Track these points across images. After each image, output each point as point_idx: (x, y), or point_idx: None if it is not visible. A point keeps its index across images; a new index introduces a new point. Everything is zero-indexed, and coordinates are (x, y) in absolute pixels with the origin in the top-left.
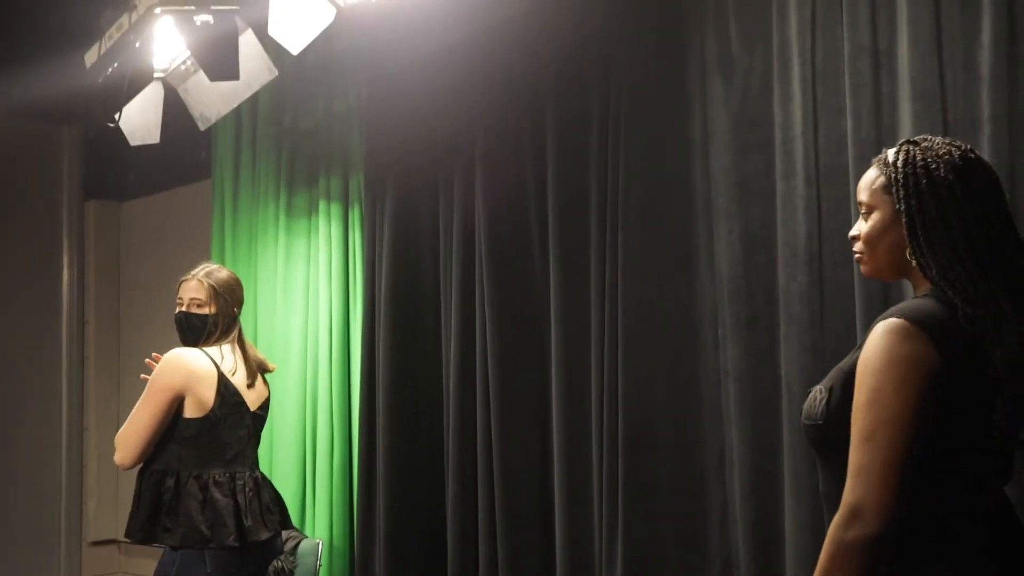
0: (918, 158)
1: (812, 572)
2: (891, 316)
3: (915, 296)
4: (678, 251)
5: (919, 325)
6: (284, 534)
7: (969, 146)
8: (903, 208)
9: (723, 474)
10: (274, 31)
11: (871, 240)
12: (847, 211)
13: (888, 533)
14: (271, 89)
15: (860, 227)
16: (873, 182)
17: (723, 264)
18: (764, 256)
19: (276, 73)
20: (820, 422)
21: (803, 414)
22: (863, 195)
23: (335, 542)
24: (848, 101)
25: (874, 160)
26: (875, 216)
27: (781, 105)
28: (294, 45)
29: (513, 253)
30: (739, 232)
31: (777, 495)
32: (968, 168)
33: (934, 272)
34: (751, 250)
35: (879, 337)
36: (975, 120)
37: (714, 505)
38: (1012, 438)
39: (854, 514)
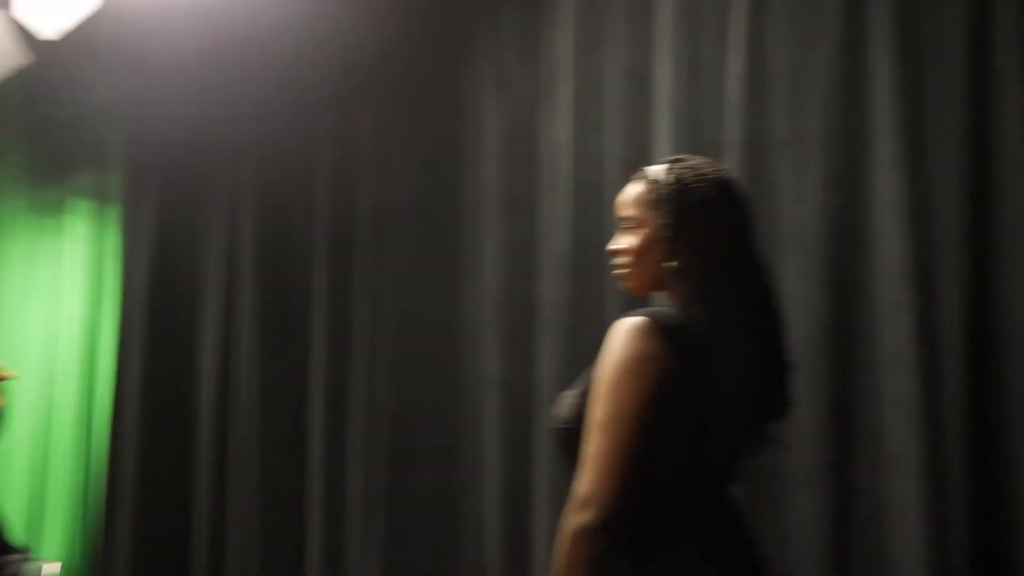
0: (686, 178)
1: None
2: (633, 315)
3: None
4: (445, 261)
5: (656, 325)
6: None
7: (725, 167)
8: (670, 226)
9: (479, 482)
10: (22, 12)
11: (636, 255)
12: (606, 227)
13: (613, 521)
14: (24, 76)
15: (623, 241)
16: (639, 198)
17: (487, 275)
18: (526, 268)
19: (30, 59)
20: (568, 425)
21: (553, 418)
22: (628, 210)
23: (70, 562)
24: (611, 121)
25: (636, 175)
26: (640, 232)
27: (549, 121)
28: (49, 29)
29: (277, 258)
30: (503, 244)
31: (530, 503)
32: (728, 190)
33: (692, 289)
34: (514, 262)
35: (618, 333)
36: (723, 145)
37: (467, 513)
38: (735, 448)
39: (583, 502)
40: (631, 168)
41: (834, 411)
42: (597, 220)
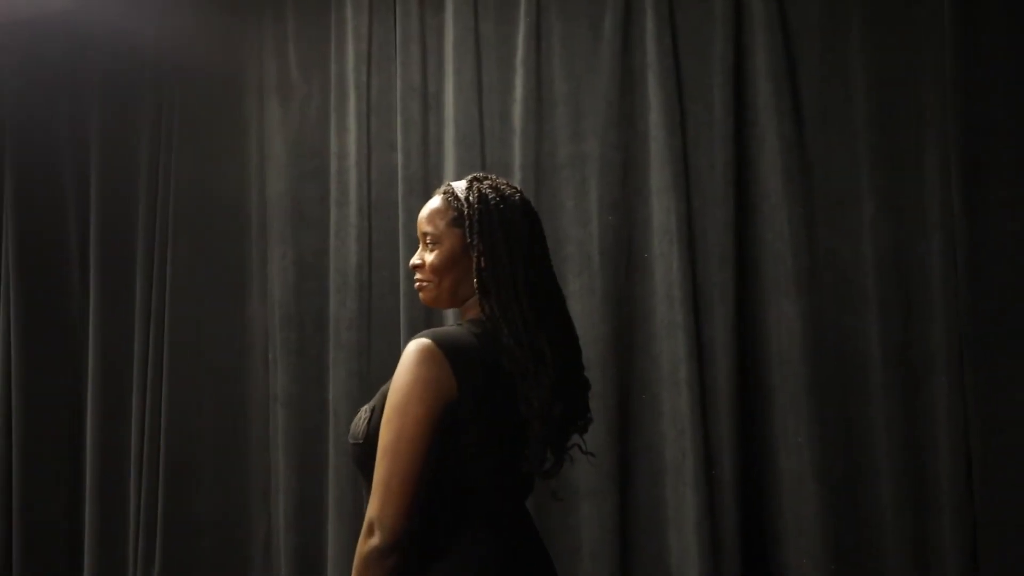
0: (490, 196)
1: None
2: (420, 337)
3: (456, 323)
4: (231, 274)
5: (442, 349)
6: None
7: (519, 188)
8: (475, 244)
9: (268, 501)
10: None
11: (439, 270)
12: (396, 242)
13: (398, 544)
14: None
15: (424, 257)
16: (442, 214)
17: (276, 289)
18: (316, 283)
19: None
20: (361, 441)
21: (350, 433)
22: (429, 226)
23: None
24: (399, 137)
25: (438, 191)
26: (444, 248)
27: (337, 135)
28: None
29: (47, 265)
30: (292, 257)
31: (322, 519)
32: (526, 210)
33: (495, 310)
34: (303, 276)
35: (405, 356)
36: (509, 166)
37: (258, 532)
38: (534, 466)
39: (370, 527)
40: (420, 186)
41: (617, 426)
42: (387, 237)
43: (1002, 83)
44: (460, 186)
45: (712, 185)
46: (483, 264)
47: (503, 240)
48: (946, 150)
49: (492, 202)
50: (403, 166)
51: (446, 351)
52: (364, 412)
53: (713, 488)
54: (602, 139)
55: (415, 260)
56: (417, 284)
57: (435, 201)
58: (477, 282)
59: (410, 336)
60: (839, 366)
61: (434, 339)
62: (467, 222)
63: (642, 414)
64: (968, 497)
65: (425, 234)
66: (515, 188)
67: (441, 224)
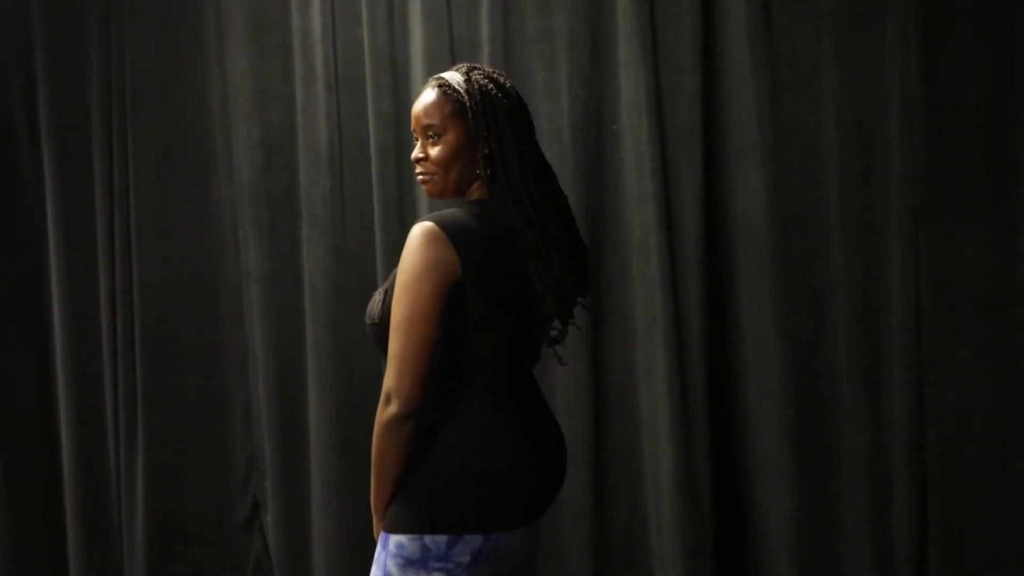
0: (488, 87)
1: (338, 463)
2: (424, 220)
3: (456, 205)
4: (193, 153)
5: (445, 231)
6: None
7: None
8: (483, 136)
9: (246, 376)
10: None
11: (444, 163)
12: (365, 118)
13: (413, 412)
14: None
15: (428, 150)
16: (441, 107)
17: (244, 167)
18: (284, 160)
19: None
20: (376, 321)
21: (366, 314)
22: (430, 119)
23: None
24: (364, 11)
25: (430, 84)
26: (448, 140)
27: (300, 9)
28: None
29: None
30: (259, 136)
31: (302, 393)
32: (520, 98)
33: (506, 195)
34: (272, 154)
35: (410, 239)
36: (476, 40)
37: (237, 407)
38: (547, 336)
39: (387, 397)
40: (387, 62)
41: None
42: (358, 112)
43: None
44: (455, 77)
45: (680, 57)
46: (491, 152)
47: (508, 127)
48: (906, 20)
49: (492, 92)
50: (369, 41)
51: (449, 233)
52: (378, 294)
53: (682, 348)
54: (570, 12)
55: (417, 154)
56: (421, 178)
57: (430, 94)
58: (487, 170)
59: (384, 212)
60: (801, 230)
61: (437, 222)
62: (471, 113)
63: (613, 280)
64: (917, 344)
65: (426, 127)
66: (504, 76)
67: (442, 116)
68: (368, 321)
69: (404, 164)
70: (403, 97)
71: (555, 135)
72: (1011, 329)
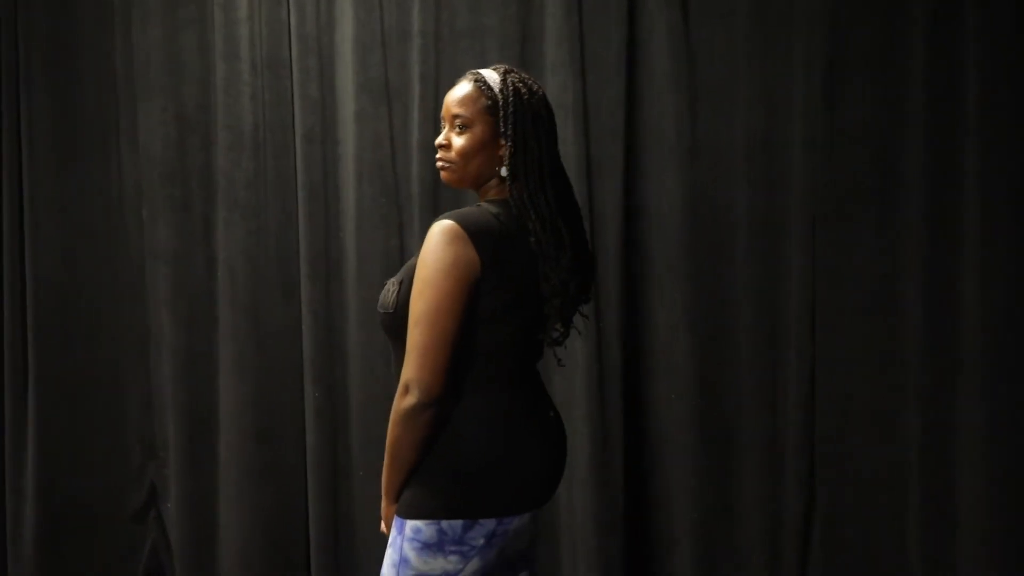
0: (522, 90)
1: (255, 449)
2: (444, 218)
3: (475, 204)
4: (92, 126)
5: (466, 230)
6: None
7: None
8: (509, 133)
9: (146, 359)
10: None
11: (467, 153)
12: (288, 102)
13: (432, 401)
14: None
15: (451, 138)
16: (475, 101)
17: (155, 144)
18: (198, 138)
19: None
20: (391, 310)
21: (379, 303)
22: (461, 109)
23: None
24: None
25: (467, 78)
26: (474, 132)
27: None
28: None
29: None
30: (173, 112)
31: (213, 375)
32: (549, 106)
33: (523, 195)
34: (186, 132)
35: (432, 236)
36: (407, 31)
37: (134, 392)
38: (549, 336)
39: (406, 386)
40: (314, 44)
41: None
42: (282, 95)
43: None
44: (492, 77)
45: (605, 64)
46: (515, 152)
47: (533, 132)
48: (811, 49)
49: (524, 96)
50: (297, 24)
51: (470, 232)
52: (392, 285)
53: (600, 338)
54: (501, 12)
55: (441, 140)
56: (441, 164)
57: (466, 87)
58: (509, 168)
59: (308, 197)
60: (712, 232)
61: (459, 221)
62: (502, 112)
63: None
64: (811, 339)
65: (456, 116)
66: (537, 83)
67: (473, 110)
68: (382, 310)
69: (328, 149)
70: (329, 82)
71: None
72: (893, 327)
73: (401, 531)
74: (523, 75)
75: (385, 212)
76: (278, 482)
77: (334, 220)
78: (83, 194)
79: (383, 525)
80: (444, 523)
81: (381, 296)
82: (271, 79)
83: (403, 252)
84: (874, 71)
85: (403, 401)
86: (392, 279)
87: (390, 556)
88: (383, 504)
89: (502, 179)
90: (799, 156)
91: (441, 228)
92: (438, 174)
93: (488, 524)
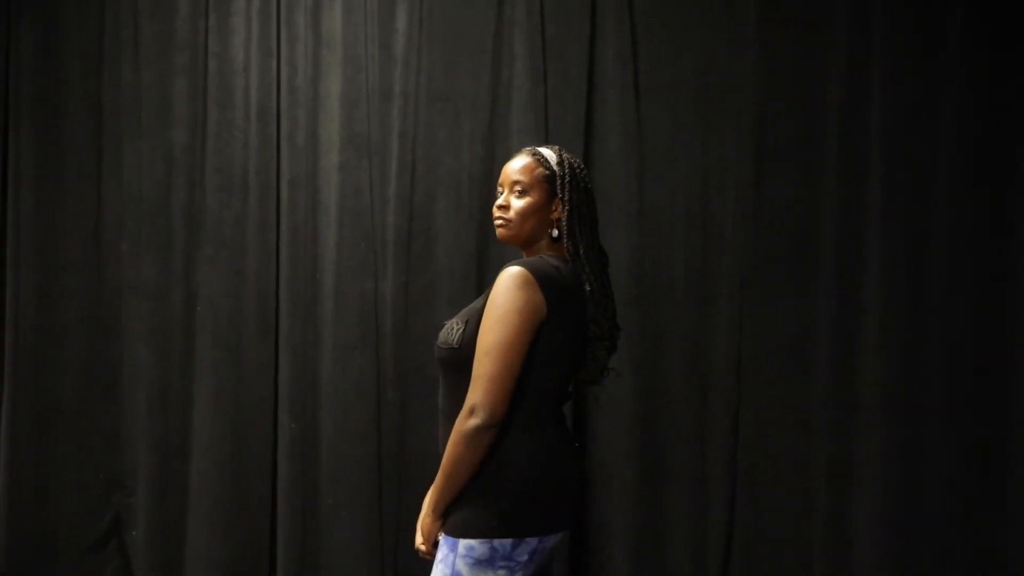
0: (576, 165)
1: (233, 480)
2: (516, 266)
3: (539, 257)
4: (77, 162)
5: (535, 276)
6: None
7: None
8: (568, 202)
9: (114, 391)
10: None
11: (524, 215)
12: (272, 149)
13: (495, 424)
14: None
15: (511, 201)
16: (533, 171)
17: (141, 182)
18: (184, 179)
19: None
20: (456, 347)
21: (439, 340)
22: (521, 176)
23: None
24: (284, 47)
25: (525, 151)
26: (532, 198)
27: (219, 35)
28: None
29: None
30: (162, 152)
31: (187, 408)
32: (590, 180)
33: (579, 252)
34: (173, 171)
35: (505, 279)
36: (389, 91)
37: (103, 422)
38: (594, 376)
39: (471, 410)
40: (304, 96)
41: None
42: (267, 142)
43: (791, 80)
44: (548, 153)
45: (565, 134)
46: (570, 215)
47: (584, 201)
48: (743, 129)
49: (578, 170)
50: (287, 77)
51: (539, 279)
52: (456, 324)
53: None
54: (475, 80)
55: (501, 202)
56: (499, 222)
57: (525, 158)
58: (566, 230)
59: (291, 239)
60: (653, 286)
61: (529, 269)
62: (559, 182)
63: None
64: (736, 382)
65: (516, 183)
66: (581, 162)
67: (532, 178)
68: (444, 346)
69: (311, 195)
70: (314, 132)
71: (454, 185)
72: (805, 374)
73: (454, 549)
74: (571, 154)
75: (363, 257)
76: (248, 513)
77: (313, 262)
78: (63, 227)
79: (419, 539)
80: (496, 542)
81: (442, 334)
82: (260, 127)
83: (377, 294)
84: (795, 155)
85: (468, 422)
86: (453, 320)
87: (440, 571)
88: (427, 520)
89: (552, 240)
90: (730, 225)
91: (514, 273)
92: (412, 223)
93: (532, 542)
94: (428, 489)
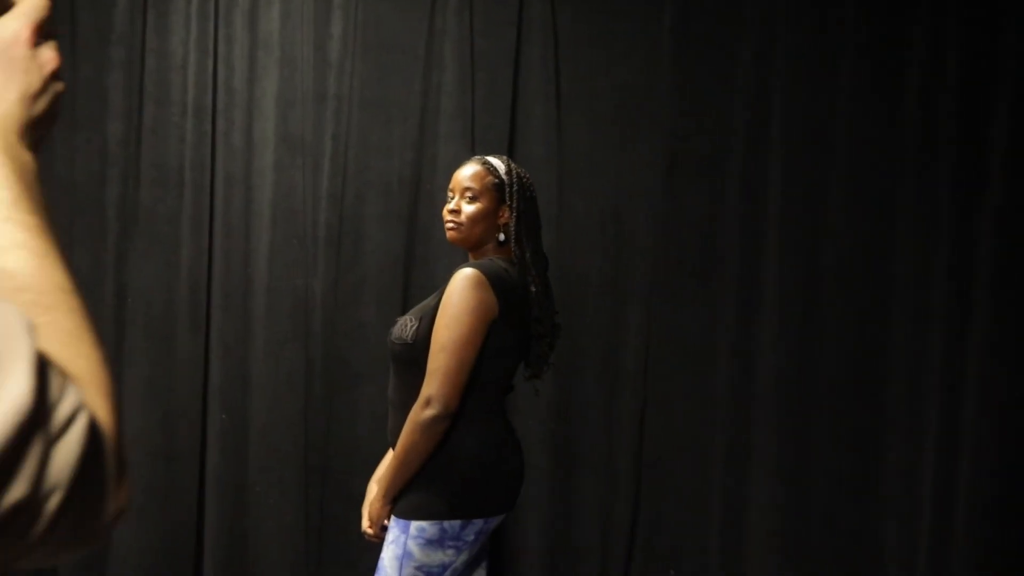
0: (522, 175)
1: (163, 469)
2: (469, 267)
3: (489, 259)
4: None
5: (488, 277)
6: None
7: None
8: (515, 210)
9: None
10: None
11: (474, 219)
12: (207, 145)
13: (448, 415)
14: None
15: (462, 206)
16: (483, 178)
17: (77, 174)
18: (119, 172)
19: None
20: (409, 342)
21: (393, 335)
22: (472, 183)
23: None
24: (222, 47)
25: (475, 160)
26: (482, 204)
27: (158, 33)
28: None
29: None
30: (98, 145)
31: (117, 400)
32: (534, 188)
33: (525, 255)
34: (107, 165)
35: (460, 280)
36: (323, 94)
37: None
38: (537, 369)
39: (427, 401)
40: (241, 97)
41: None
42: (202, 138)
43: (702, 100)
44: (497, 162)
45: (490, 141)
46: (517, 221)
47: (530, 208)
48: (655, 141)
49: (524, 180)
50: (224, 77)
51: (491, 280)
52: (409, 320)
53: None
54: (407, 87)
55: (452, 207)
56: (450, 225)
57: (476, 166)
58: (514, 235)
59: (224, 235)
60: (570, 288)
61: (483, 271)
62: (508, 190)
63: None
64: (644, 378)
65: (467, 189)
66: (526, 172)
67: (481, 185)
68: (399, 342)
69: (246, 192)
70: (249, 131)
71: (384, 187)
72: (707, 372)
73: (406, 530)
74: (517, 164)
75: (295, 254)
76: (176, 501)
77: (246, 258)
78: None
79: (366, 523)
80: (446, 523)
81: (396, 330)
82: (196, 124)
83: (308, 290)
84: (702, 169)
85: (424, 413)
86: (406, 316)
87: (392, 551)
88: (376, 505)
89: (499, 243)
90: (642, 232)
91: (468, 275)
92: (343, 223)
93: (478, 523)
94: (356, 477)
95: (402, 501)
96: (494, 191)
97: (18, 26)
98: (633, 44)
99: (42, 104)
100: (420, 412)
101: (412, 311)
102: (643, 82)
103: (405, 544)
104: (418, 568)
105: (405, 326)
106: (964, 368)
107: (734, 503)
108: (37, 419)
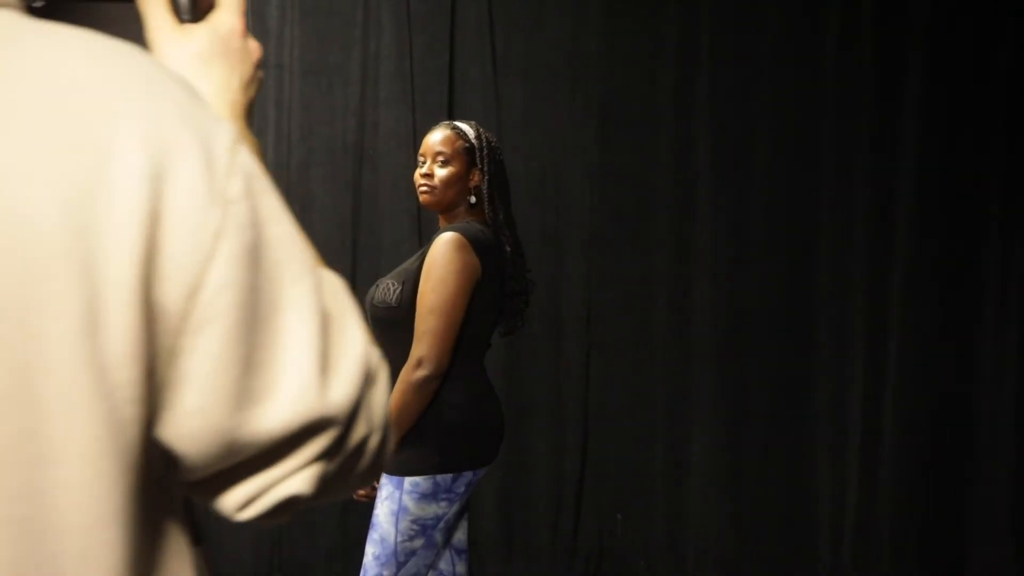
0: (490, 140)
1: None
2: (451, 231)
3: (451, 224)
4: None
5: (470, 240)
6: None
7: None
8: (486, 173)
9: None
10: None
11: (447, 183)
12: None
13: (439, 374)
14: None
15: (434, 170)
16: (453, 143)
17: None
18: None
19: None
20: (394, 305)
21: (375, 299)
22: (443, 147)
23: None
24: None
25: (444, 125)
26: (452, 168)
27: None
28: None
29: None
30: None
31: None
32: (502, 151)
33: (499, 217)
34: None
35: (444, 244)
36: (265, 62)
37: None
38: (513, 326)
39: (419, 362)
40: None
41: (348, 283)
42: None
43: (631, 61)
44: (466, 127)
45: (431, 102)
46: (492, 189)
47: (499, 171)
48: (589, 103)
49: (493, 145)
50: None
51: (472, 243)
52: (391, 284)
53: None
54: (346, 53)
55: (425, 171)
56: (424, 189)
57: (445, 131)
58: (487, 197)
59: None
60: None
61: (464, 234)
62: (479, 154)
63: (367, 278)
64: (587, 329)
65: (438, 153)
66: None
67: (452, 150)
68: (381, 305)
69: None
70: None
71: (329, 154)
72: (646, 321)
73: (400, 486)
74: (485, 129)
75: None
76: None
77: None
78: None
79: None
80: (439, 477)
81: (378, 293)
82: None
83: None
84: (635, 124)
85: (415, 373)
86: (387, 279)
87: (387, 507)
88: None
89: (470, 206)
90: (578, 188)
91: (451, 239)
92: (289, 190)
93: (468, 475)
94: None
95: (396, 459)
96: (465, 155)
97: (234, 19)
98: (565, 3)
99: (253, 90)
100: (412, 373)
101: (391, 274)
102: (575, 42)
103: (400, 499)
104: (414, 522)
105: (388, 289)
106: (887, 305)
107: (676, 445)
108: (370, 367)
